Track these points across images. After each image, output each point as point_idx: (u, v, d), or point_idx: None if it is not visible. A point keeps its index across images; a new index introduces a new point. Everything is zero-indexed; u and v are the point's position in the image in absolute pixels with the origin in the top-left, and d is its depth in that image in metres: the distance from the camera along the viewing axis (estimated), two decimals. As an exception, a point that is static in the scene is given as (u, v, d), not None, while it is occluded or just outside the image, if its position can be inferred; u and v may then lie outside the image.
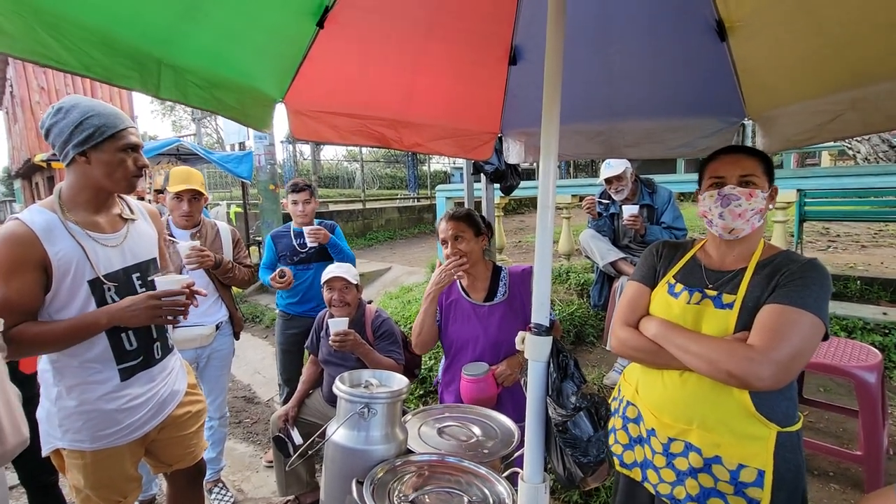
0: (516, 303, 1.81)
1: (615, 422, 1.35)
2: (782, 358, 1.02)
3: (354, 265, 2.48)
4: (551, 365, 0.82)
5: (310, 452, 1.51)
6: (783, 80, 1.54)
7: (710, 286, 1.24)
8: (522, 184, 3.26)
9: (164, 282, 1.46)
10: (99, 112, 1.41)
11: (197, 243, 2.25)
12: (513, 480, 0.99)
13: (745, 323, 1.14)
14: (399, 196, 14.61)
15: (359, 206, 11.30)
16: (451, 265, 1.71)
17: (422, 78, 1.86)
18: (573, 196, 5.01)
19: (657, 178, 3.23)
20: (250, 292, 6.36)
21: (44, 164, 9.43)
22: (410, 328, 3.84)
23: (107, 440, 1.45)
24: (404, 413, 1.31)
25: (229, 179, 12.09)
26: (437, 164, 18.43)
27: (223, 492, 2.53)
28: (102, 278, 1.40)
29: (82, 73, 1.14)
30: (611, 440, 1.35)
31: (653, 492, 1.25)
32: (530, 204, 13.37)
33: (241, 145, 7.91)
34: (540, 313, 0.84)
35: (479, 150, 2.27)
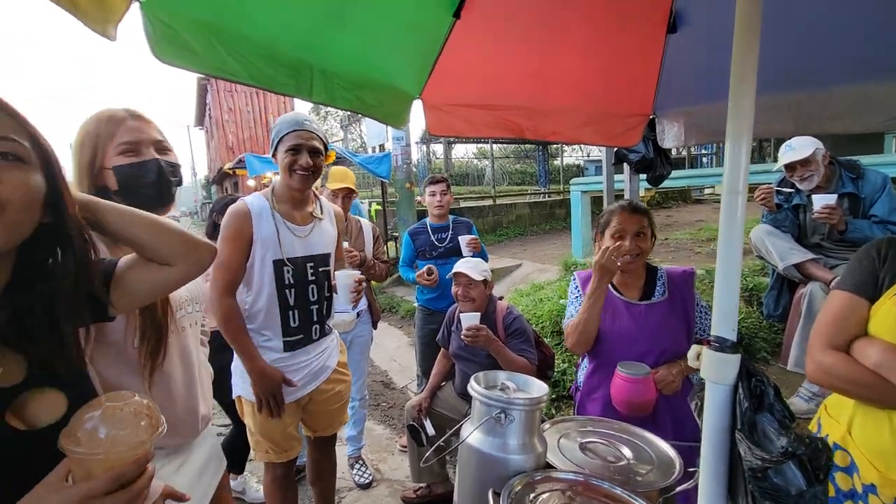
0: (677, 303, 1.59)
1: None
2: None
3: (486, 261, 2.46)
4: (740, 390, 0.65)
5: (443, 446, 1.49)
6: None
7: None
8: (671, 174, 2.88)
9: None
10: (281, 121, 1.71)
11: (346, 244, 2.48)
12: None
13: None
14: (529, 192, 14.36)
15: (489, 202, 11.36)
16: (614, 252, 1.50)
17: (562, 60, 1.72)
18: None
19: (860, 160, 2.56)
20: (387, 284, 6.82)
21: (231, 172, 11.37)
22: (542, 327, 3.69)
23: None
24: (542, 421, 1.21)
25: (370, 179, 13.19)
26: (570, 157, 17.69)
27: (363, 468, 2.72)
28: (285, 260, 1.66)
29: (252, 83, 1.27)
30: None
31: None
32: (678, 197, 12.01)
33: (381, 147, 8.51)
34: (725, 324, 0.67)
35: (626, 135, 2.03)
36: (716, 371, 0.67)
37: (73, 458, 0.61)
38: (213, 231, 2.38)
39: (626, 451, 1.11)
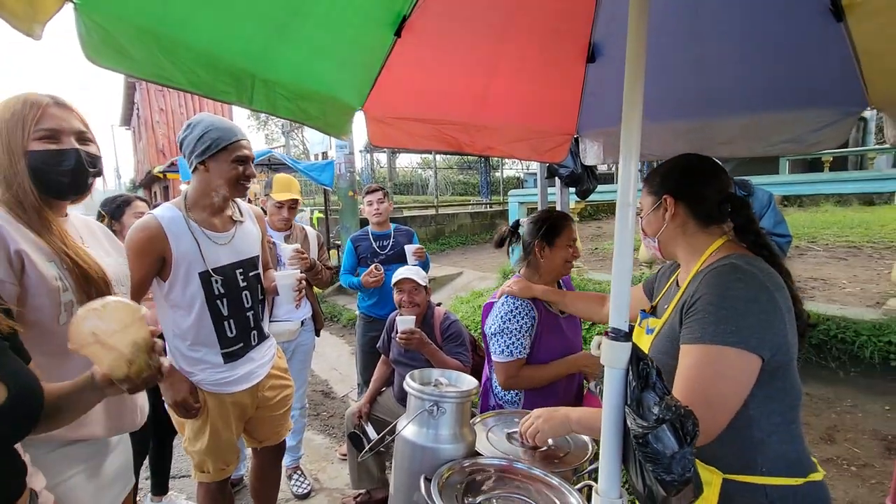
0: None
1: None
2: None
3: (427, 271, 2.54)
4: (630, 373, 0.77)
5: (381, 448, 1.54)
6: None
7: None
8: (600, 188, 3.12)
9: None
10: (217, 127, 1.60)
11: (298, 246, 2.44)
12: (586, 494, 0.94)
13: (655, 354, 1.01)
14: (471, 202, 14.70)
15: (431, 211, 11.51)
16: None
17: (496, 80, 1.85)
18: (656, 200, 4.70)
19: (756, 179, 2.92)
20: (329, 293, 6.72)
21: (161, 175, 10.73)
22: (480, 333, 3.81)
23: None
24: (473, 415, 1.30)
25: (313, 187, 12.91)
26: (510, 169, 18.28)
27: (301, 479, 2.68)
28: (210, 271, 1.58)
29: (190, 89, 1.27)
30: None
31: None
32: (608, 209, 12.80)
33: (324, 155, 8.41)
34: (618, 317, 0.79)
35: (554, 151, 2.21)
36: (612, 357, 0.79)
37: (98, 352, 0.76)
38: None
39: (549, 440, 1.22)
